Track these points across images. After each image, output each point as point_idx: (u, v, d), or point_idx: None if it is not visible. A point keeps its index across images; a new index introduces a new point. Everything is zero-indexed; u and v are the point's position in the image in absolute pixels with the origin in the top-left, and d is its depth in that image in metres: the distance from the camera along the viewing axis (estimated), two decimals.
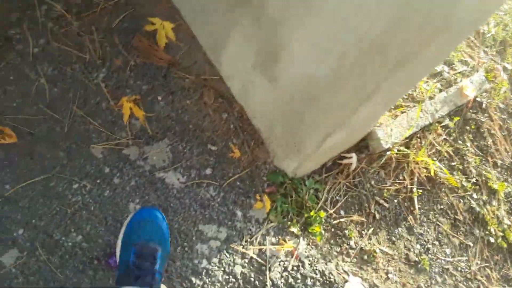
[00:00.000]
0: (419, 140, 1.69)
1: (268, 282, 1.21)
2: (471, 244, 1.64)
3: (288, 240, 1.32)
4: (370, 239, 1.47)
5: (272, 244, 1.29)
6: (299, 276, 1.26)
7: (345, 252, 1.40)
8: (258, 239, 1.27)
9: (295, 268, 1.26)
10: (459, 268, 1.58)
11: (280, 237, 1.31)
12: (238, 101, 1.46)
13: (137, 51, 1.40)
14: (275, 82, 1.27)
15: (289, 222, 1.35)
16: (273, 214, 1.34)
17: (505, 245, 1.70)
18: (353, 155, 1.54)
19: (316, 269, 1.30)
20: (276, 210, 1.35)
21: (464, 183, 1.73)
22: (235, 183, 1.33)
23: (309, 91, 1.16)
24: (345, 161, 1.52)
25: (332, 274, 1.31)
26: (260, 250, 1.26)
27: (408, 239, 1.53)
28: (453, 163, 1.75)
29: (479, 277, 1.60)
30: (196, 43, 1.49)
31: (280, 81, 1.25)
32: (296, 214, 1.38)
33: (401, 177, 1.62)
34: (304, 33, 1.10)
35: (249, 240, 1.26)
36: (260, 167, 1.40)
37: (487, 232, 1.70)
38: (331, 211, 1.45)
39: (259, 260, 1.24)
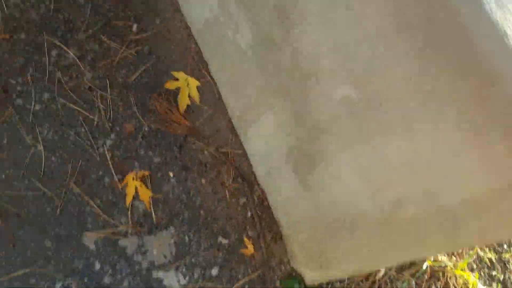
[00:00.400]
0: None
1: None
2: None
3: None
4: None
5: None
6: None
7: None
8: None
9: None
10: None
11: None
12: (261, 184, 1.26)
13: (154, 115, 1.21)
14: (308, 188, 1.07)
15: None
16: None
17: None
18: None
19: None
20: None
21: None
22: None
23: (351, 220, 0.96)
24: None
25: None
26: None
27: None
28: (493, 272, 1.53)
29: None
30: (221, 106, 1.30)
31: (314, 190, 1.05)
32: None
33: None
34: (353, 156, 0.90)
35: None
36: (275, 268, 1.21)
37: None
38: None
39: None
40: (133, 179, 1.11)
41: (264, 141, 1.18)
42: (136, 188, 1.11)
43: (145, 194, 1.12)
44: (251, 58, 1.09)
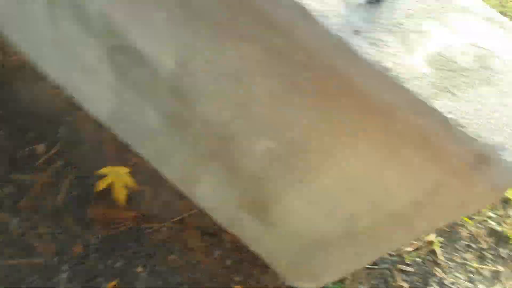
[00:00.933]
0: None
1: None
2: (502, 269, 1.56)
3: None
4: None
5: None
6: None
7: None
8: None
9: None
10: None
11: None
12: (228, 229, 1.27)
13: (97, 223, 1.17)
14: (270, 224, 1.08)
15: None
16: None
17: None
18: None
19: None
20: None
21: None
22: None
23: (319, 240, 0.99)
24: None
25: None
26: None
27: None
28: None
29: None
30: (159, 178, 1.26)
31: (277, 225, 1.07)
32: None
33: None
34: (296, 192, 0.91)
35: None
36: None
37: None
38: None
39: None
40: None
41: (213, 196, 1.17)
42: None
43: None
44: (168, 133, 1.06)
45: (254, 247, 1.25)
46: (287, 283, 1.27)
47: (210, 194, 1.16)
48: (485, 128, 0.64)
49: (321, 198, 0.88)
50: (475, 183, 0.67)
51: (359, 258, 0.98)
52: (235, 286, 1.22)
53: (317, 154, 0.82)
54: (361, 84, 0.66)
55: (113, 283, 1.12)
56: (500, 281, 1.53)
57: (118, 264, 1.15)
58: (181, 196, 1.26)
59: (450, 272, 1.48)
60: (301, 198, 0.92)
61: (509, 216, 1.63)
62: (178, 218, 1.24)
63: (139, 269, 1.16)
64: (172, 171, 1.22)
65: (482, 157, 0.67)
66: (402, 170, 0.73)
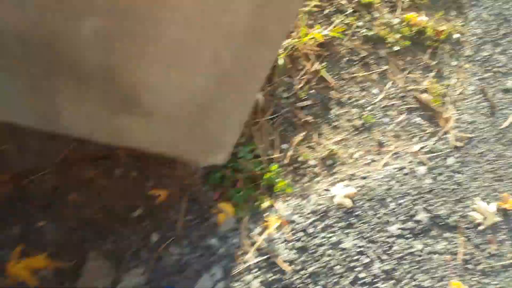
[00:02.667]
0: None
1: (284, 267, 1.19)
2: (387, 67, 1.65)
3: (269, 216, 1.25)
4: (318, 144, 1.43)
5: (260, 234, 1.22)
6: (300, 235, 1.24)
7: (313, 177, 1.38)
8: (245, 245, 1.20)
9: (291, 232, 1.23)
10: None
11: (261, 222, 1.24)
12: (119, 145, 1.17)
13: None
14: (149, 115, 1.00)
15: (257, 203, 1.27)
16: (240, 212, 1.23)
17: None
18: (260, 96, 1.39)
19: (306, 215, 1.27)
20: (238, 206, 1.24)
21: None
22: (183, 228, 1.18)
23: (198, 103, 0.95)
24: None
25: (320, 204, 1.30)
26: (257, 250, 1.20)
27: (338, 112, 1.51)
28: None
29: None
30: (14, 130, 1.10)
31: (156, 111, 0.99)
32: (255, 190, 1.28)
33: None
34: (153, 62, 0.83)
35: (241, 254, 1.18)
36: (195, 182, 1.23)
37: None
38: (277, 155, 1.36)
39: (263, 257, 1.19)
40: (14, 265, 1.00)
41: (81, 118, 1.04)
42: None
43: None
44: None
45: (149, 148, 1.19)
46: (201, 166, 1.25)
47: (78, 117, 1.04)
48: None
49: (177, 55, 0.81)
50: None
51: (242, 100, 0.96)
52: (151, 192, 1.18)
53: (149, 13, 0.73)
54: None
55: (18, 248, 1.02)
56: (388, 78, 1.63)
57: (15, 230, 1.04)
58: (49, 137, 1.13)
59: (344, 90, 1.54)
60: (159, 66, 0.84)
61: (375, 19, 1.69)
62: (59, 159, 1.12)
63: (41, 223, 1.07)
64: (23, 114, 1.07)
65: None
66: None
